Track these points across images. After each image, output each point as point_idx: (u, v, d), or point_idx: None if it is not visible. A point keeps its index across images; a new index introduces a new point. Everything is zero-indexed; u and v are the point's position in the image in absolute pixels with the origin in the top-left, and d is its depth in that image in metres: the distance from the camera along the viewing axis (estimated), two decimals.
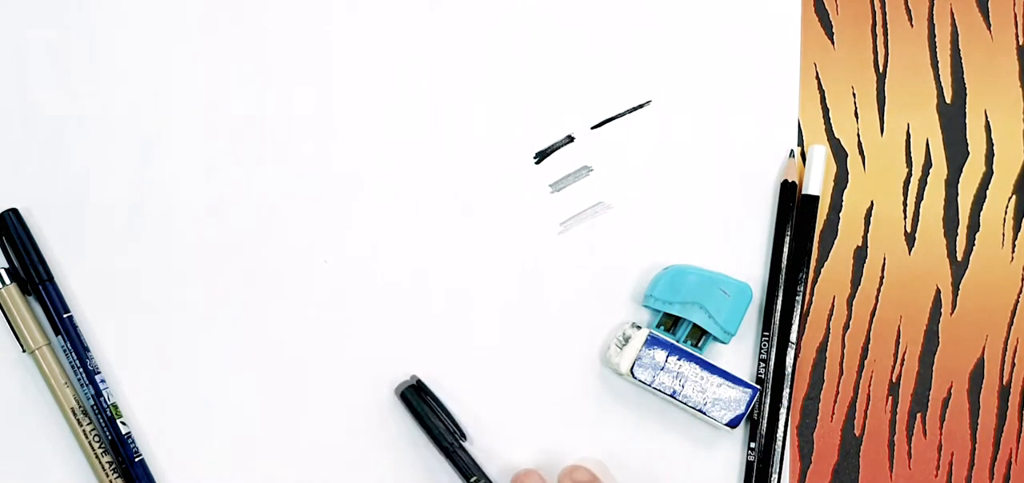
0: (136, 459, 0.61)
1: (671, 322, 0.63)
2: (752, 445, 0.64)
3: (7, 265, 0.61)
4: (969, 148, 0.66)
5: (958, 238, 0.66)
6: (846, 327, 0.66)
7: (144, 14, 0.64)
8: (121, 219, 0.63)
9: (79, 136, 0.63)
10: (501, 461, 0.64)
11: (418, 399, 0.63)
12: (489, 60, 0.65)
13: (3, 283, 0.61)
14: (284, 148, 0.64)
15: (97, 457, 0.61)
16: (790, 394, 0.64)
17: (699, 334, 0.63)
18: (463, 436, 0.63)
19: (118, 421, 0.61)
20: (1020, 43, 0.66)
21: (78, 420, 0.61)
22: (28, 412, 0.62)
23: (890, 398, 0.66)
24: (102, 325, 0.63)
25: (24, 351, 0.61)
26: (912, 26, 0.66)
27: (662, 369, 0.62)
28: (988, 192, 0.66)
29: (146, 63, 0.64)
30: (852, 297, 0.66)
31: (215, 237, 0.63)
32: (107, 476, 0.61)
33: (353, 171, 0.64)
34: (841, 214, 0.66)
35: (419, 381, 0.63)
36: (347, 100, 0.64)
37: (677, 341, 0.62)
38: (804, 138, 0.65)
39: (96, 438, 0.61)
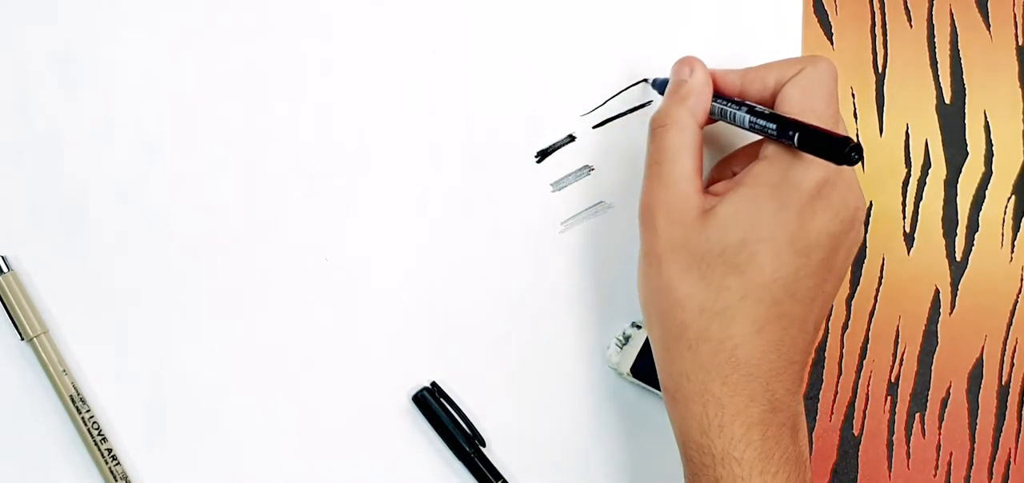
0: None
1: None
2: None
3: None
4: (968, 148, 0.66)
5: (957, 238, 0.66)
6: (845, 327, 0.66)
7: (144, 13, 0.64)
8: (121, 219, 0.63)
9: (79, 135, 0.63)
10: (506, 464, 0.64)
11: (436, 403, 0.63)
12: (490, 59, 0.65)
13: (2, 271, 0.61)
14: (285, 149, 0.64)
15: (96, 445, 0.61)
16: None
17: None
18: (482, 442, 0.63)
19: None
20: (1019, 43, 0.66)
21: (77, 407, 0.61)
22: (27, 400, 0.62)
23: (889, 398, 0.66)
24: (103, 327, 0.63)
25: (23, 339, 0.61)
26: (911, 27, 0.66)
27: None
28: (987, 192, 0.66)
29: (146, 62, 0.64)
30: (851, 297, 0.66)
31: (216, 238, 0.63)
32: (106, 463, 0.61)
33: (353, 171, 0.64)
34: None
35: (435, 385, 0.63)
36: (347, 100, 0.64)
37: None
38: None
39: (95, 425, 0.61)
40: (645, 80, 0.63)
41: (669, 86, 0.58)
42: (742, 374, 0.52)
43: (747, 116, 0.54)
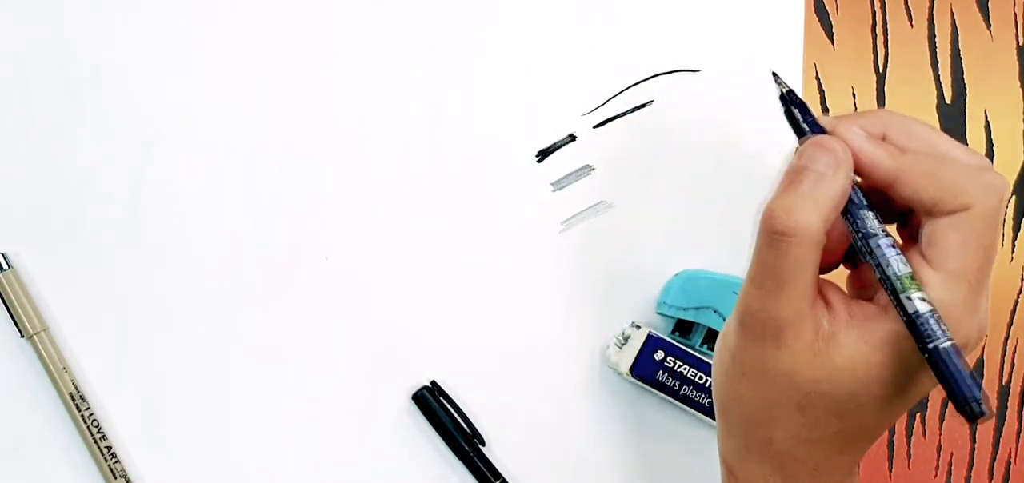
0: None
1: (685, 327, 0.63)
2: None
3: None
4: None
5: None
6: None
7: (144, 13, 0.64)
8: (121, 217, 0.63)
9: (79, 135, 0.63)
10: (506, 464, 0.64)
11: (436, 403, 0.63)
12: (491, 58, 0.65)
13: (3, 269, 0.61)
14: (285, 149, 0.64)
15: (95, 442, 0.61)
16: None
17: (714, 338, 0.63)
18: (482, 441, 0.63)
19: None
20: (1020, 43, 0.66)
21: (77, 405, 0.61)
22: (27, 397, 0.62)
23: None
24: (102, 325, 0.63)
25: (23, 336, 0.61)
26: (912, 26, 0.66)
27: (662, 369, 0.62)
28: None
29: (146, 62, 0.64)
30: None
31: (216, 236, 0.63)
32: (106, 461, 0.61)
33: (354, 170, 0.64)
34: None
35: (435, 384, 0.63)
36: (348, 99, 0.64)
37: (692, 346, 0.62)
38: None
39: (94, 423, 0.61)
40: (776, 77, 0.50)
41: (801, 173, 0.46)
42: (820, 481, 0.49)
43: (877, 270, 0.46)
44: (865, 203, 0.46)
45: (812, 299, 0.46)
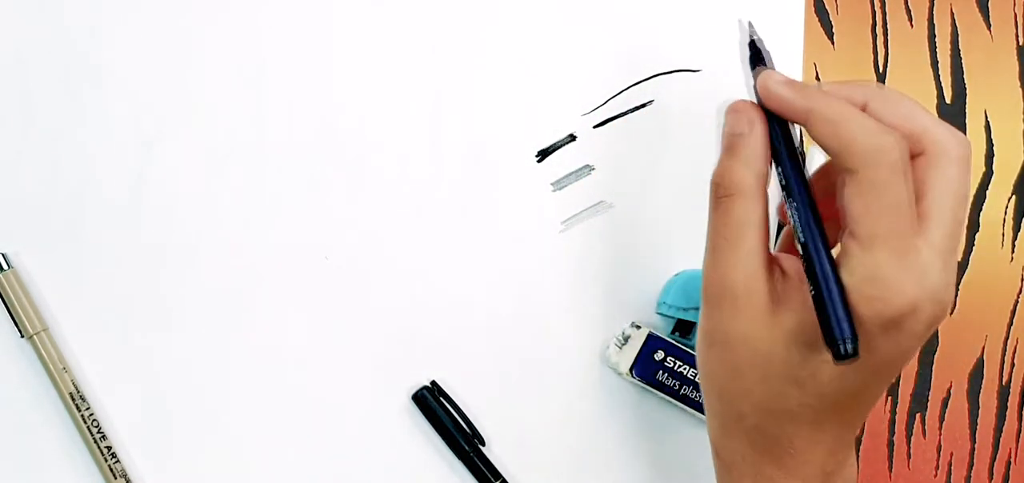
0: None
1: (685, 327, 0.63)
2: None
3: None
4: None
5: None
6: None
7: (144, 13, 0.64)
8: (121, 217, 0.63)
9: (79, 135, 0.63)
10: (506, 464, 0.64)
11: (436, 403, 0.63)
12: (491, 58, 0.65)
13: (3, 269, 0.61)
14: (285, 148, 0.64)
15: (95, 442, 0.61)
16: None
17: None
18: (482, 441, 0.63)
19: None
20: (1020, 43, 0.66)
21: (77, 405, 0.61)
22: (27, 398, 0.62)
23: (889, 398, 0.66)
24: (102, 325, 0.63)
25: (23, 336, 0.61)
26: (912, 26, 0.66)
27: (662, 369, 0.62)
28: (988, 192, 0.66)
29: (146, 62, 0.64)
30: None
31: (216, 236, 0.63)
32: (106, 461, 0.61)
33: (354, 170, 0.64)
34: None
35: (435, 384, 0.63)
36: (348, 99, 0.64)
37: (692, 346, 0.62)
38: (805, 138, 0.66)
39: (94, 423, 0.61)
40: (750, 25, 0.52)
41: (731, 139, 0.49)
42: (798, 461, 0.50)
43: (796, 220, 0.47)
44: (782, 161, 0.48)
45: (763, 262, 0.48)
